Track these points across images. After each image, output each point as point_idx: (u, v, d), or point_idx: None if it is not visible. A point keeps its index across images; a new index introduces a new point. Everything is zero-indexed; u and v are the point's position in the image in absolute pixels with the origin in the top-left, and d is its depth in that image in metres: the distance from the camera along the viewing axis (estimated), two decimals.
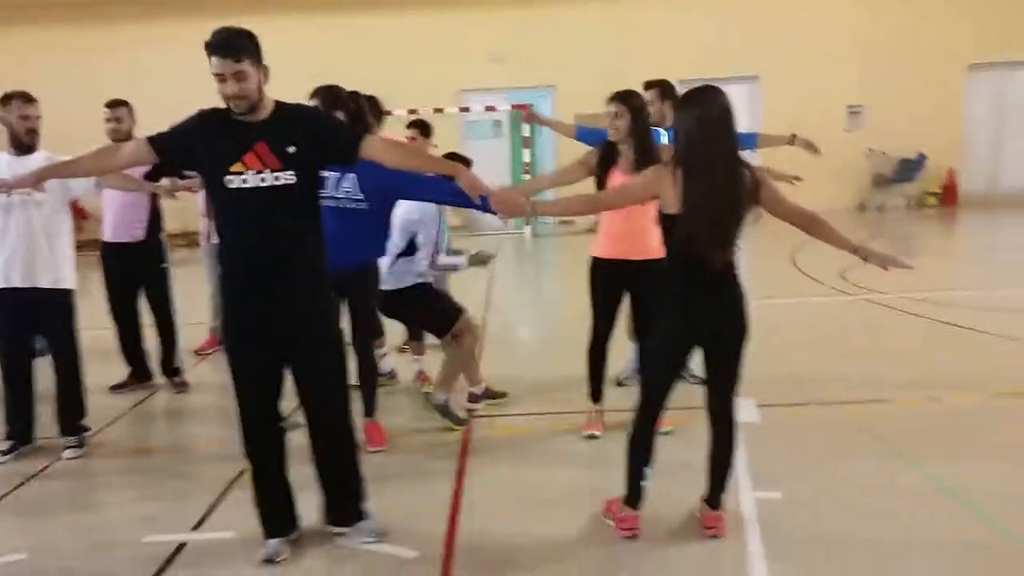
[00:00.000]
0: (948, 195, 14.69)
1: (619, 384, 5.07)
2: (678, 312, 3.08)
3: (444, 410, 4.62)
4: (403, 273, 4.65)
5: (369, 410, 4.37)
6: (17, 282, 4.24)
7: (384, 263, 4.58)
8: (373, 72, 13.49)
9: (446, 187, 3.80)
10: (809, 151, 5.19)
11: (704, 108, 2.94)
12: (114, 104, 5.31)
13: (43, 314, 4.35)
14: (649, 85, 4.73)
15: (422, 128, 5.96)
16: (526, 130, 13.56)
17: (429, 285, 4.77)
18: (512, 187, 4.09)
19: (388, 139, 3.31)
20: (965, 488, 3.56)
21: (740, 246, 3.05)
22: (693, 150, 2.93)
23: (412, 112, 13.44)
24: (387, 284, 4.58)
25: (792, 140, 5.15)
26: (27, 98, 4.33)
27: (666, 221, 3.05)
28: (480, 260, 5.01)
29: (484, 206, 3.71)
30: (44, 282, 4.29)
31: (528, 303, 8.92)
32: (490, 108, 13.87)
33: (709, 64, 13.95)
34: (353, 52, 13.94)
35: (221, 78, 2.86)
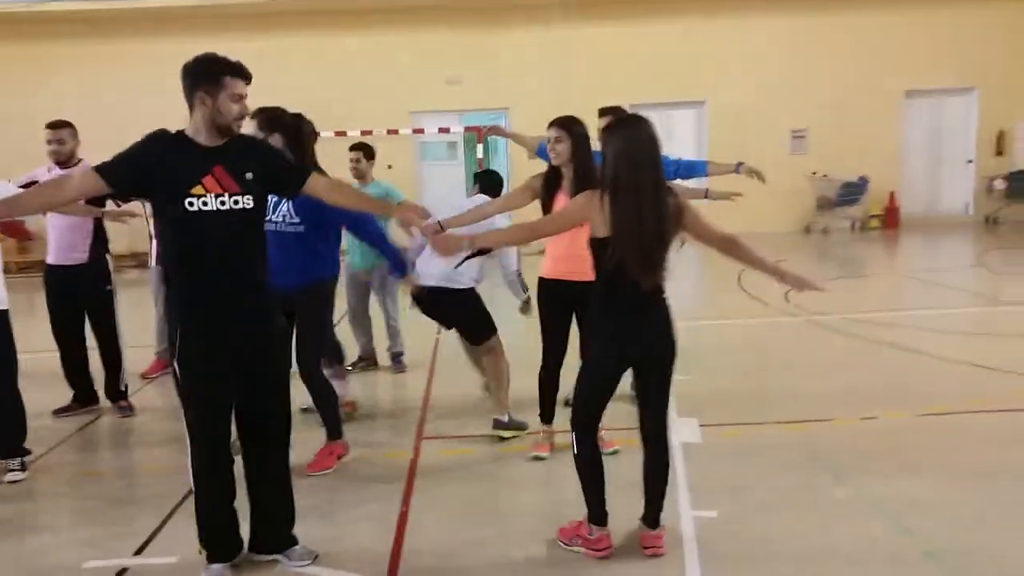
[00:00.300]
0: (890, 217, 15.19)
1: (567, 405, 5.14)
2: (607, 334, 3.19)
3: (504, 425, 4.70)
4: (460, 274, 4.72)
5: (331, 431, 4.36)
6: None
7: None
8: (326, 93, 13.54)
9: (377, 229, 3.98)
10: (755, 179, 5.35)
11: (630, 137, 3.07)
12: (57, 125, 5.24)
13: None
14: (603, 112, 4.83)
15: (365, 151, 6.05)
16: (480, 152, 13.67)
17: (476, 292, 4.90)
18: (452, 219, 4.17)
19: (331, 180, 3.42)
20: (893, 503, 3.70)
21: (669, 269, 3.15)
22: (620, 176, 3.05)
23: (366, 133, 13.50)
24: (445, 282, 4.69)
25: (738, 168, 5.31)
26: None
27: (595, 245, 3.16)
28: (525, 305, 5.04)
29: (400, 268, 3.88)
30: None
31: None
32: (444, 130, 13.97)
33: (658, 89, 14.31)
34: (306, 73, 13.95)
35: (239, 99, 3.00)
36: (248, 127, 3.49)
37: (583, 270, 4.01)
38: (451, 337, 7.51)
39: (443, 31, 14.36)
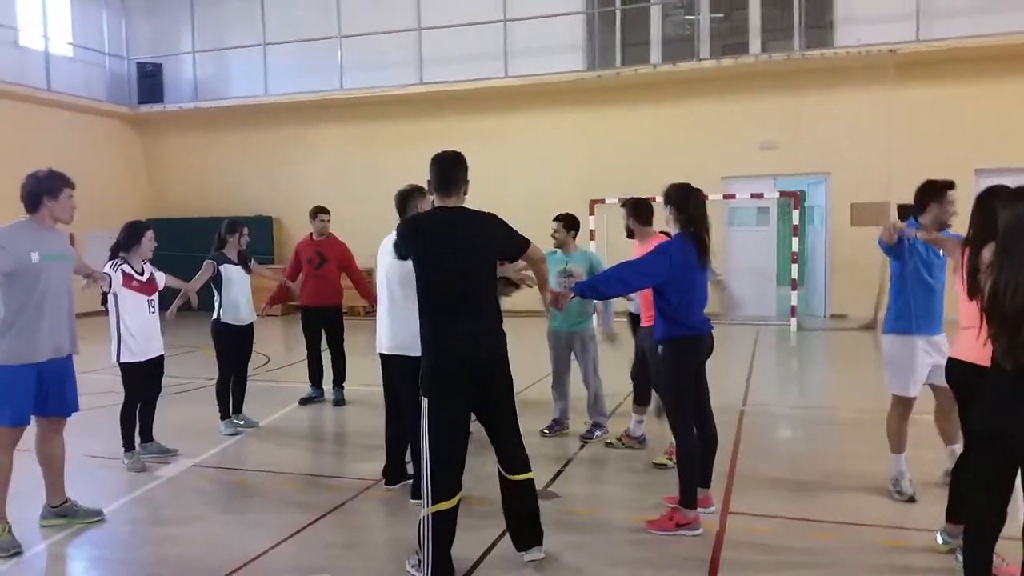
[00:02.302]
0: None
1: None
2: (977, 412, 3.05)
3: None
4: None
5: (680, 496, 4.35)
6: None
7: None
8: (636, 160, 14.01)
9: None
10: None
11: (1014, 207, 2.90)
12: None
13: None
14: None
15: (565, 221, 6.29)
16: (796, 218, 13.18)
17: None
18: None
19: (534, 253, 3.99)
20: None
21: None
22: (1001, 250, 2.90)
23: None
24: None
25: None
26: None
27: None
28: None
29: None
30: None
31: (790, 399, 8.57)
32: (756, 195, 13.70)
33: (1008, 152, 12.80)
34: (618, 141, 14.60)
35: None
36: None
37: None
38: (758, 410, 7.34)
39: (758, 95, 14.22)
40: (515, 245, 3.89)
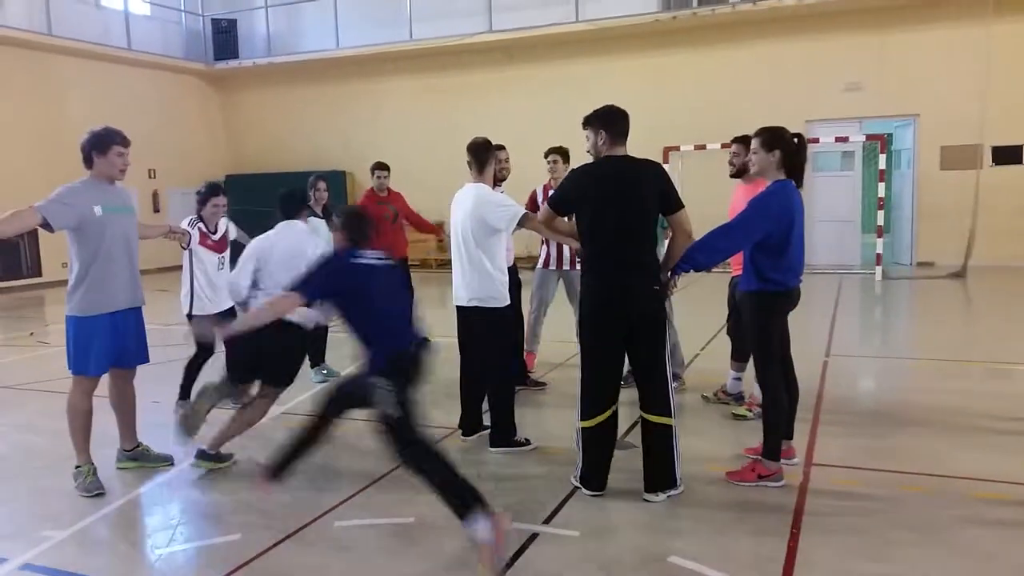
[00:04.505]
0: None
1: None
2: None
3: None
4: None
5: (763, 447, 4.28)
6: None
7: None
8: (712, 106, 13.60)
9: None
10: None
11: None
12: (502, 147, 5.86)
13: None
14: None
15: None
16: (882, 162, 12.63)
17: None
18: None
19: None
20: None
21: None
22: None
23: None
24: None
25: None
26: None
27: None
28: None
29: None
30: None
31: (874, 349, 8.32)
32: (841, 139, 13.16)
33: None
34: (698, 85, 14.15)
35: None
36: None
37: None
38: (841, 362, 7.14)
39: (843, 34, 13.57)
40: (669, 199, 4.04)
